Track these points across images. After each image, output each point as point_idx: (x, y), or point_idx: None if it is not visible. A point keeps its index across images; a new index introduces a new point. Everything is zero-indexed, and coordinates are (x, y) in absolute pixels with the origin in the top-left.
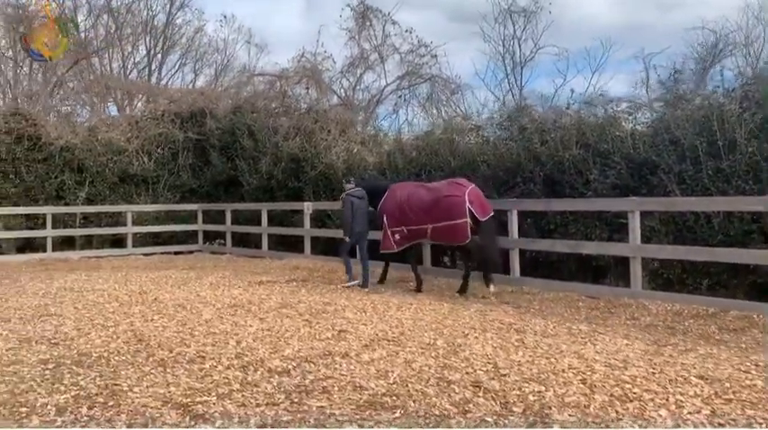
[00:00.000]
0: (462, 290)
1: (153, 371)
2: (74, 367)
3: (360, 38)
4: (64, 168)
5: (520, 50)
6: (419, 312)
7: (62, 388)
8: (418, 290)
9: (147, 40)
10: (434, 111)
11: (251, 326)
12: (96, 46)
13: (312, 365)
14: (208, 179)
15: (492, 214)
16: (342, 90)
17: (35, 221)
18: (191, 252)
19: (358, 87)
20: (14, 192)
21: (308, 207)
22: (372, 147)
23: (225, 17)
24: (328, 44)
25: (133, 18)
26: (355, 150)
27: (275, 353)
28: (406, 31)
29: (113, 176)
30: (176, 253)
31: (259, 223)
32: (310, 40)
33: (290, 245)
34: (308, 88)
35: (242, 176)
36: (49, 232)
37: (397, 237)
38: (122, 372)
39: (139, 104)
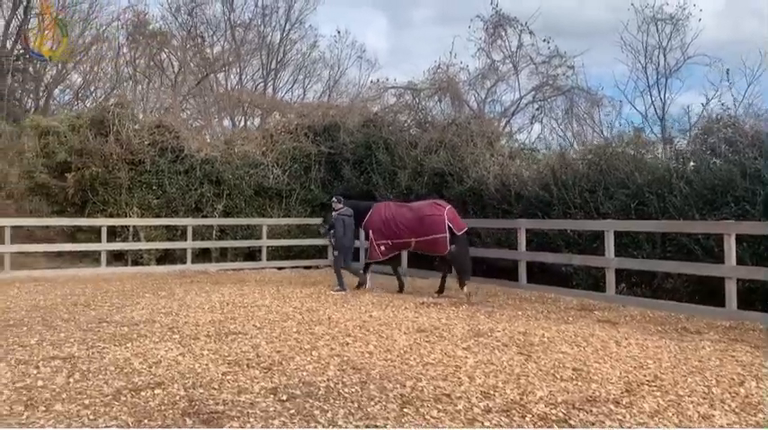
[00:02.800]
0: (440, 290)
1: (407, 411)
2: (312, 400)
3: (491, 48)
4: (203, 180)
5: (665, 60)
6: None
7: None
8: (400, 290)
9: (263, 56)
10: (574, 124)
11: (465, 358)
12: (224, 62)
13: (585, 413)
14: (339, 193)
15: (465, 229)
16: (474, 102)
17: (174, 233)
18: (319, 267)
19: (489, 99)
20: (156, 204)
21: None
22: (523, 161)
23: (339, 32)
24: (444, 56)
25: (251, 35)
26: (515, 164)
27: (528, 396)
28: (544, 40)
29: (249, 189)
30: (306, 267)
31: None
32: (428, 52)
33: (427, 262)
34: (440, 100)
35: (377, 191)
36: (189, 244)
37: (382, 248)
38: (371, 410)
39: (269, 119)
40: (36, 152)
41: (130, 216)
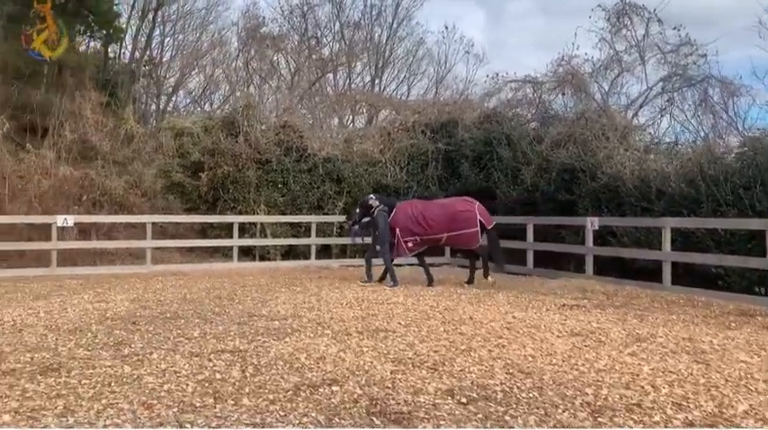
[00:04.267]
0: (470, 281)
1: (601, 420)
2: (493, 405)
3: (614, 39)
4: (325, 179)
5: None
6: None
7: None
8: (430, 283)
9: (371, 54)
10: (710, 116)
11: (637, 364)
12: (337, 62)
13: None
14: (456, 190)
15: (494, 224)
16: (598, 95)
17: (298, 229)
18: (439, 265)
19: (613, 92)
20: (282, 201)
21: (591, 222)
22: (658, 156)
23: (447, 28)
24: (566, 48)
25: (359, 34)
26: (651, 158)
27: (727, 409)
28: (674, 28)
29: (368, 187)
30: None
31: (515, 237)
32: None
33: (553, 262)
34: (563, 93)
35: (498, 188)
36: (312, 240)
37: (410, 244)
38: (560, 418)
39: (387, 117)
40: (172, 152)
41: (258, 213)
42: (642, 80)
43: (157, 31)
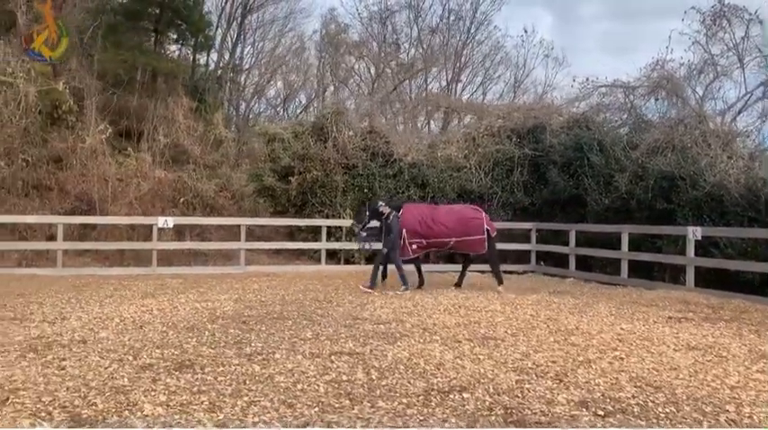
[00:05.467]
0: (459, 284)
1: None
2: (632, 418)
3: (709, 41)
4: (410, 184)
5: None
6: None
7: None
8: (421, 286)
9: (447, 57)
10: None
11: None
12: (417, 67)
13: None
14: (542, 197)
15: (495, 232)
16: (693, 100)
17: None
18: (524, 272)
19: (708, 96)
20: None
21: (693, 232)
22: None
23: (526, 31)
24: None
25: (437, 38)
26: (757, 166)
27: None
28: None
29: (453, 192)
30: (506, 272)
31: (606, 246)
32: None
33: (645, 272)
34: (657, 98)
35: (588, 195)
36: None
37: (414, 247)
38: None
39: (461, 121)
40: (264, 157)
41: (344, 217)
42: (740, 84)
43: (240, 39)
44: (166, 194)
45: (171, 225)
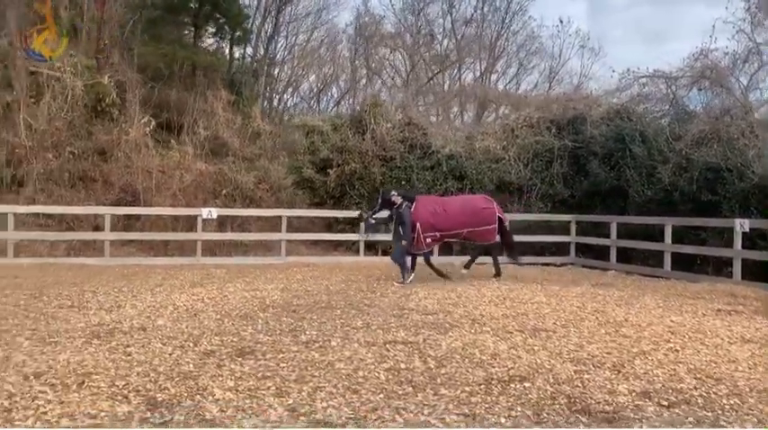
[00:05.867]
0: (468, 266)
1: None
2: (696, 409)
3: (755, 30)
4: (448, 176)
5: None
6: None
7: None
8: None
9: (481, 48)
10: None
11: None
12: (452, 58)
13: None
14: (582, 189)
15: (508, 221)
16: (737, 90)
17: None
18: (562, 264)
19: (753, 86)
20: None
21: (741, 224)
22: None
23: (561, 21)
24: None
25: (471, 29)
26: None
27: None
28: None
29: (491, 184)
30: (545, 264)
31: (648, 238)
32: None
33: (687, 265)
34: (700, 89)
35: (630, 187)
36: None
37: (428, 239)
38: None
39: (503, 112)
40: (303, 149)
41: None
42: None
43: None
44: (207, 186)
45: (215, 216)
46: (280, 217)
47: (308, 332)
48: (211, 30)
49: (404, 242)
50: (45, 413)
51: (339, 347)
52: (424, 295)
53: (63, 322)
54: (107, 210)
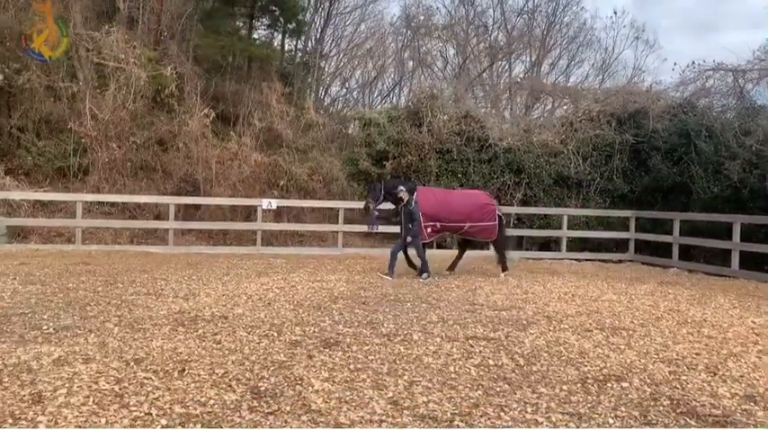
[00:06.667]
0: (452, 267)
1: None
2: None
3: None
4: (505, 169)
5: None
6: None
7: None
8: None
9: (533, 39)
10: None
11: None
12: (505, 49)
13: None
14: (642, 184)
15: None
16: None
17: None
18: (619, 261)
19: None
20: None
21: None
22: None
23: (615, 13)
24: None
25: (522, 20)
26: None
27: None
28: None
29: (549, 178)
30: (603, 260)
31: (713, 236)
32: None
33: (755, 264)
34: None
35: (694, 183)
36: None
37: (429, 230)
38: None
39: (551, 106)
40: (360, 141)
41: None
42: None
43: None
44: (263, 177)
45: (274, 206)
46: (332, 208)
47: (385, 325)
48: (266, 22)
49: (410, 239)
50: (157, 399)
51: (422, 341)
52: (490, 290)
53: (145, 309)
54: (171, 200)
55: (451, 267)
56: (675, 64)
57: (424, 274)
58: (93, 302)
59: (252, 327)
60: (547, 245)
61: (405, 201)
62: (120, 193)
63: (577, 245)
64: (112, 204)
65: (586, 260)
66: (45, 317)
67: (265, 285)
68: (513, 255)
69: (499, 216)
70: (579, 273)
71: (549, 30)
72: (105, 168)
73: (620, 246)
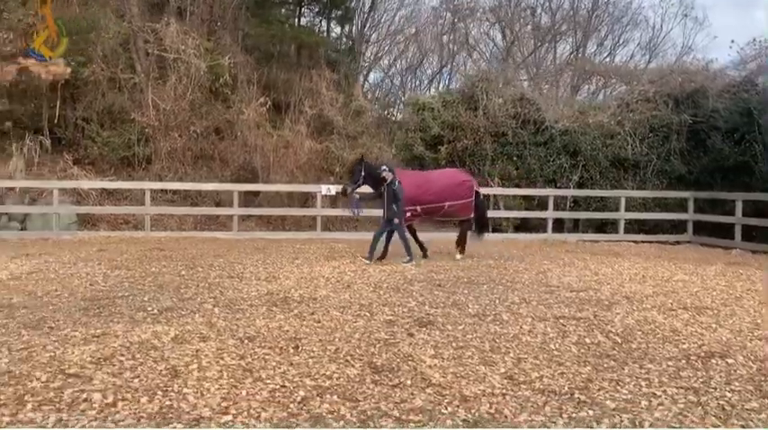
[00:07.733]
0: (463, 249)
1: None
2: None
3: None
4: (561, 152)
5: None
6: None
7: None
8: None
9: (579, 20)
10: None
11: None
12: (554, 30)
13: None
14: (701, 165)
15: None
16: None
17: (530, 202)
18: (676, 242)
19: None
20: (516, 174)
21: None
22: None
23: None
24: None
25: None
26: None
27: None
28: None
29: (606, 160)
30: (661, 242)
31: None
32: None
33: None
34: None
35: (758, 163)
36: (549, 214)
37: (408, 214)
38: None
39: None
40: (414, 126)
41: (491, 186)
42: None
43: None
44: (317, 164)
45: (333, 192)
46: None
47: (470, 306)
48: (314, 9)
49: (396, 220)
50: (284, 373)
51: (513, 321)
52: (558, 273)
53: (235, 291)
54: (234, 187)
55: (462, 250)
56: (733, 41)
57: (407, 258)
58: (184, 286)
59: (343, 307)
60: (602, 227)
61: (388, 181)
62: (181, 181)
63: (633, 227)
64: (175, 192)
65: (643, 242)
66: (146, 299)
67: (338, 268)
68: (569, 237)
69: (477, 192)
70: (642, 255)
71: (595, 9)
72: (167, 157)
73: (677, 227)
